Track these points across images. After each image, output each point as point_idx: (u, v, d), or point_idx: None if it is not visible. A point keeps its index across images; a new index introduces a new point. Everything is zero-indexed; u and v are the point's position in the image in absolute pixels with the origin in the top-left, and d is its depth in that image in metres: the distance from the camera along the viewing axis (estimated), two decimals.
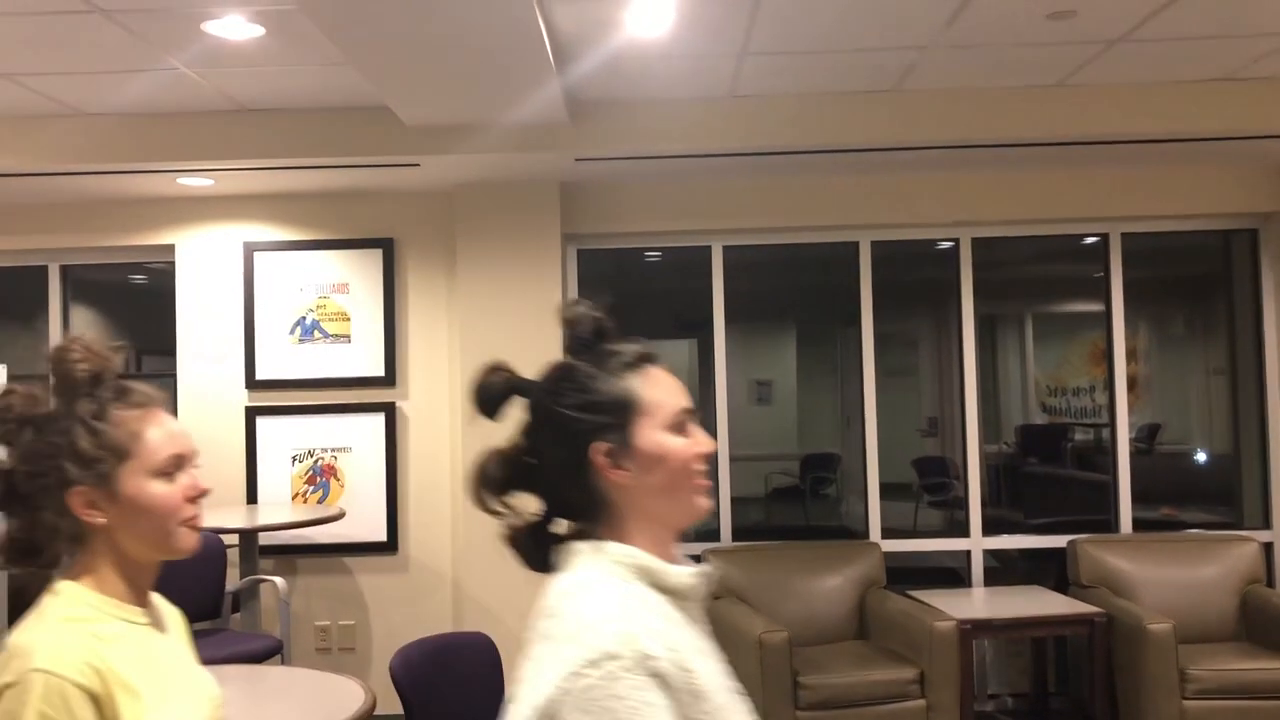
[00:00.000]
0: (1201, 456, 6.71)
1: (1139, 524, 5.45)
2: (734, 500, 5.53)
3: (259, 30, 3.69)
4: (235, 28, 3.65)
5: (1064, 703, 5.31)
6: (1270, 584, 5.26)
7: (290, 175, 4.94)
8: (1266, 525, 5.40)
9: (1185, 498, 6.01)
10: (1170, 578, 4.97)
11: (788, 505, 7.29)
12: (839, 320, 5.75)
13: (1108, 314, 5.54)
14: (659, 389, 1.31)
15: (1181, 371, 7.04)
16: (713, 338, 5.55)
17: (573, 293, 5.51)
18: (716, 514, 5.52)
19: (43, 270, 5.61)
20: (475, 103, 4.19)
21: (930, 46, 4.06)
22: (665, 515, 1.31)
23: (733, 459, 5.54)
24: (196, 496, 1.45)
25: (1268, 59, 4.30)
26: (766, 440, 7.61)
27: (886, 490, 5.58)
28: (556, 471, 1.31)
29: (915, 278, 6.40)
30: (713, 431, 5.56)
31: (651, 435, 1.29)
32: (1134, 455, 5.51)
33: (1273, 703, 4.41)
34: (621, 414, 1.29)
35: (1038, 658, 5.27)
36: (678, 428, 1.31)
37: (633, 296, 7.81)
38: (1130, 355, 5.58)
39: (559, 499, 1.34)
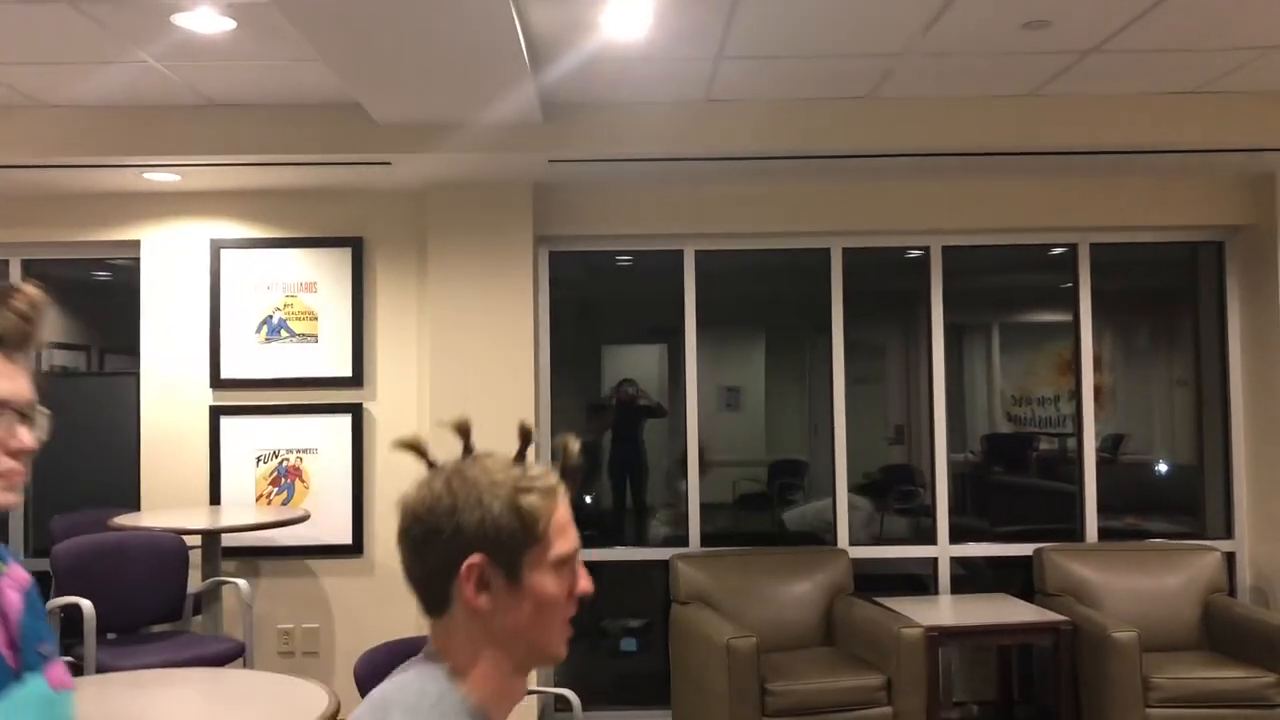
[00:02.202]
0: (1165, 467, 6.79)
1: (1103, 533, 5.49)
2: (702, 506, 5.51)
3: (230, 24, 3.64)
4: (206, 20, 3.60)
5: (1029, 710, 5.34)
6: (1232, 593, 5.32)
7: (259, 172, 4.88)
8: (1229, 535, 5.46)
9: (1149, 507, 6.07)
10: (1134, 587, 5.02)
11: (756, 512, 7.29)
12: (808, 328, 5.75)
13: (1075, 324, 5.58)
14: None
15: (1146, 382, 7.11)
16: (683, 343, 5.54)
17: (544, 295, 5.48)
18: (685, 519, 5.50)
19: (4, 265, 5.50)
20: (449, 102, 4.15)
21: (905, 54, 4.07)
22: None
23: (702, 465, 5.52)
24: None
25: (1238, 72, 4.35)
26: (735, 446, 7.61)
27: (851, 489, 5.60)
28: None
29: (884, 287, 6.42)
30: (683, 437, 5.55)
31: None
32: (1099, 465, 5.55)
33: (1234, 711, 4.45)
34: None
35: (1003, 665, 5.29)
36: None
37: (604, 301, 7.78)
38: (1096, 365, 5.62)
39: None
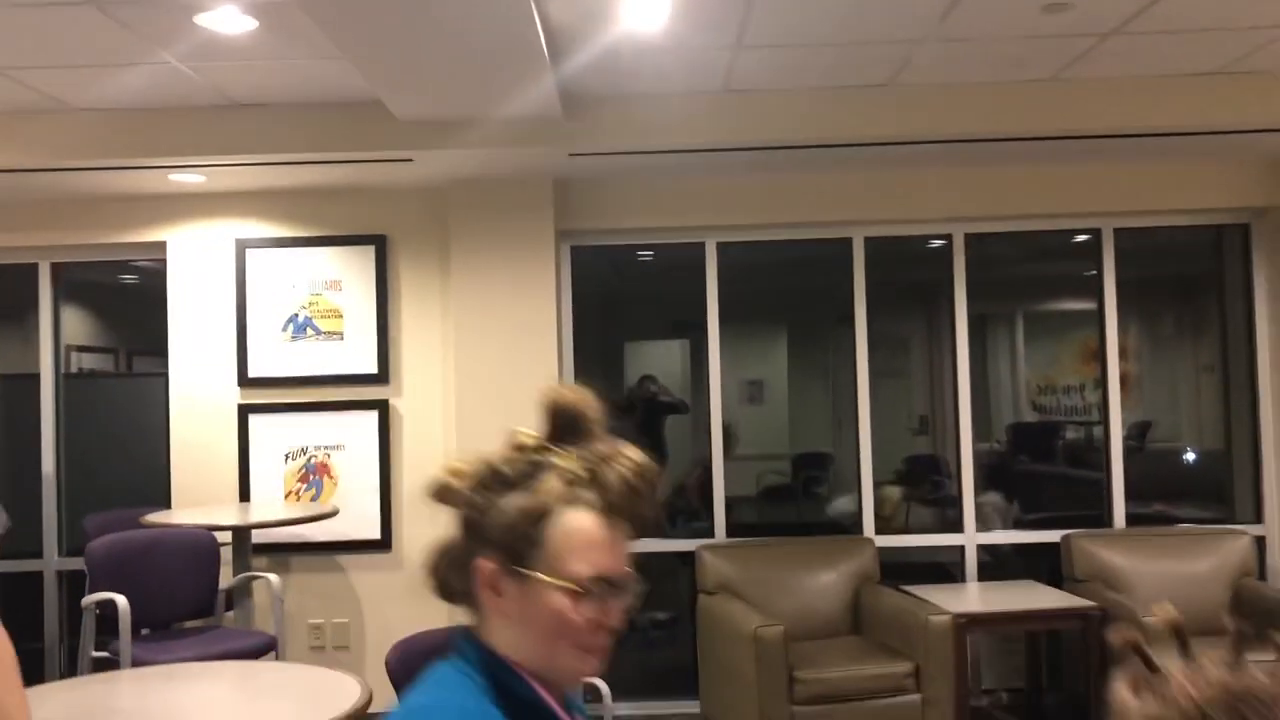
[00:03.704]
0: (1191, 453, 6.74)
1: (1131, 519, 5.46)
2: (727, 499, 5.53)
3: (252, 23, 3.68)
4: (228, 20, 3.64)
5: (1058, 697, 5.32)
6: (1262, 577, 5.28)
7: (283, 171, 4.92)
8: (1258, 519, 5.42)
9: (1176, 493, 6.03)
10: (1163, 572, 4.99)
11: (780, 504, 7.28)
12: (830, 321, 5.75)
13: (1100, 311, 5.55)
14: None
15: (1171, 369, 7.06)
16: (706, 337, 5.55)
17: (566, 290, 5.49)
18: (711, 511, 5.51)
19: (33, 268, 5.57)
20: (469, 97, 4.18)
21: (925, 40, 4.06)
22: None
23: (726, 459, 5.53)
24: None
25: (1261, 52, 4.31)
26: (758, 440, 7.60)
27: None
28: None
29: (907, 277, 6.41)
30: (706, 431, 5.55)
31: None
32: (1126, 452, 5.52)
33: None
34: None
35: (1032, 652, 5.27)
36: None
37: (626, 297, 7.80)
38: (1121, 353, 5.59)
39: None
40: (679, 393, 6.59)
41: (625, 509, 1.21)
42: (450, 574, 1.25)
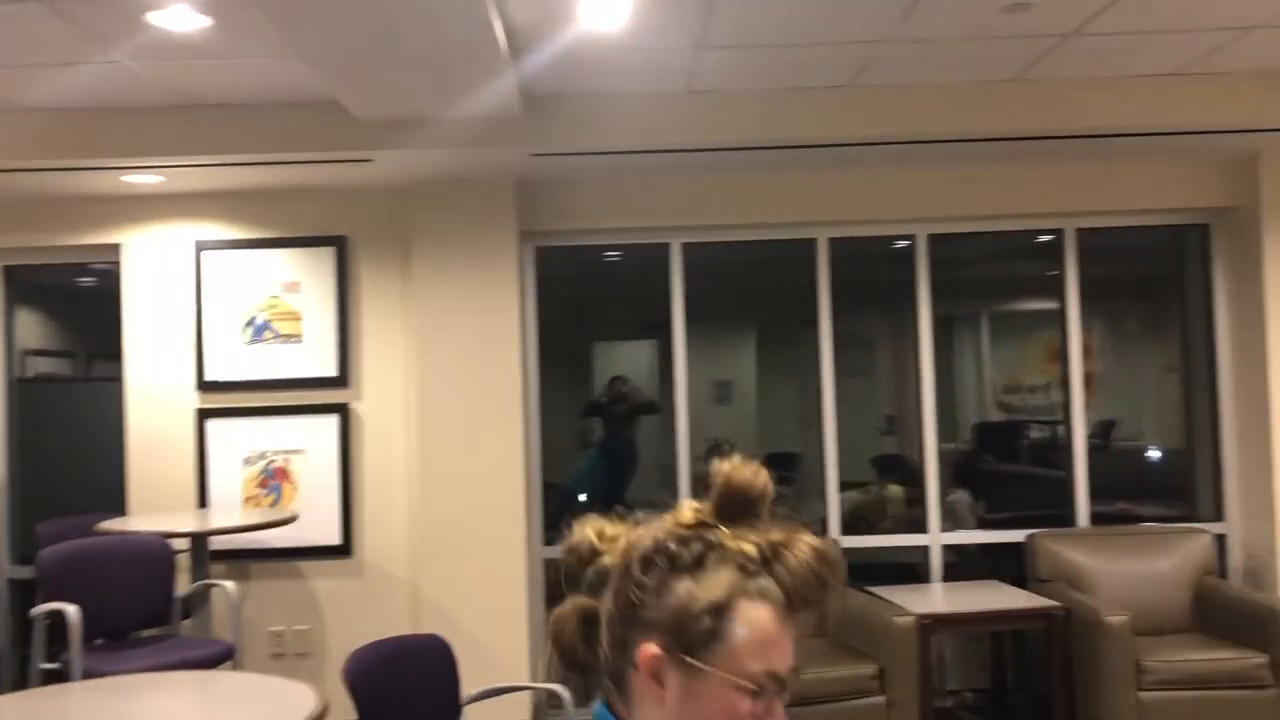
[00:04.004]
0: (1155, 451, 6.79)
1: (1095, 518, 5.48)
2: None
3: (205, 21, 3.61)
4: (181, 18, 3.57)
5: (1023, 697, 5.33)
6: (1223, 575, 5.32)
7: (240, 172, 4.85)
8: (1219, 517, 5.46)
9: (1140, 492, 6.08)
10: (1126, 571, 5.01)
11: None
12: (799, 321, 5.74)
13: (1063, 311, 5.57)
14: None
15: (1136, 368, 7.12)
16: (672, 337, 5.52)
17: (531, 291, 5.45)
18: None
19: None
20: (428, 96, 4.13)
21: (886, 40, 4.05)
22: None
23: (693, 459, 5.50)
24: None
25: (1220, 53, 4.34)
26: (727, 439, 7.59)
27: (844, 489, 5.58)
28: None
29: (873, 278, 6.42)
30: (673, 431, 5.53)
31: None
32: (1090, 451, 5.54)
33: (1225, 692, 4.45)
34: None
35: (997, 652, 5.29)
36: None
37: (594, 298, 7.76)
38: (1086, 352, 5.61)
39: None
40: (649, 393, 6.56)
41: (804, 600, 1.13)
42: (581, 645, 1.17)
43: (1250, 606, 4.67)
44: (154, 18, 3.55)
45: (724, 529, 1.15)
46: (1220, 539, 5.36)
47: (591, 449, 6.87)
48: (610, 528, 1.19)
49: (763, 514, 1.16)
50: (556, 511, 5.77)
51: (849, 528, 5.54)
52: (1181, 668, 4.46)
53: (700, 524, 1.15)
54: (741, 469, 1.15)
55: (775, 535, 1.14)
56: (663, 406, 6.14)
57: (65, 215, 5.26)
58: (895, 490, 6.01)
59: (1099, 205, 5.36)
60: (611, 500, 6.39)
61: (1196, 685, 4.45)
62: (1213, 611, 4.87)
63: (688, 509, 1.17)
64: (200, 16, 3.56)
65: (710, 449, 6.30)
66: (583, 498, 6.59)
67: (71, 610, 4.04)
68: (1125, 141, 4.89)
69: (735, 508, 1.15)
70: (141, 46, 3.84)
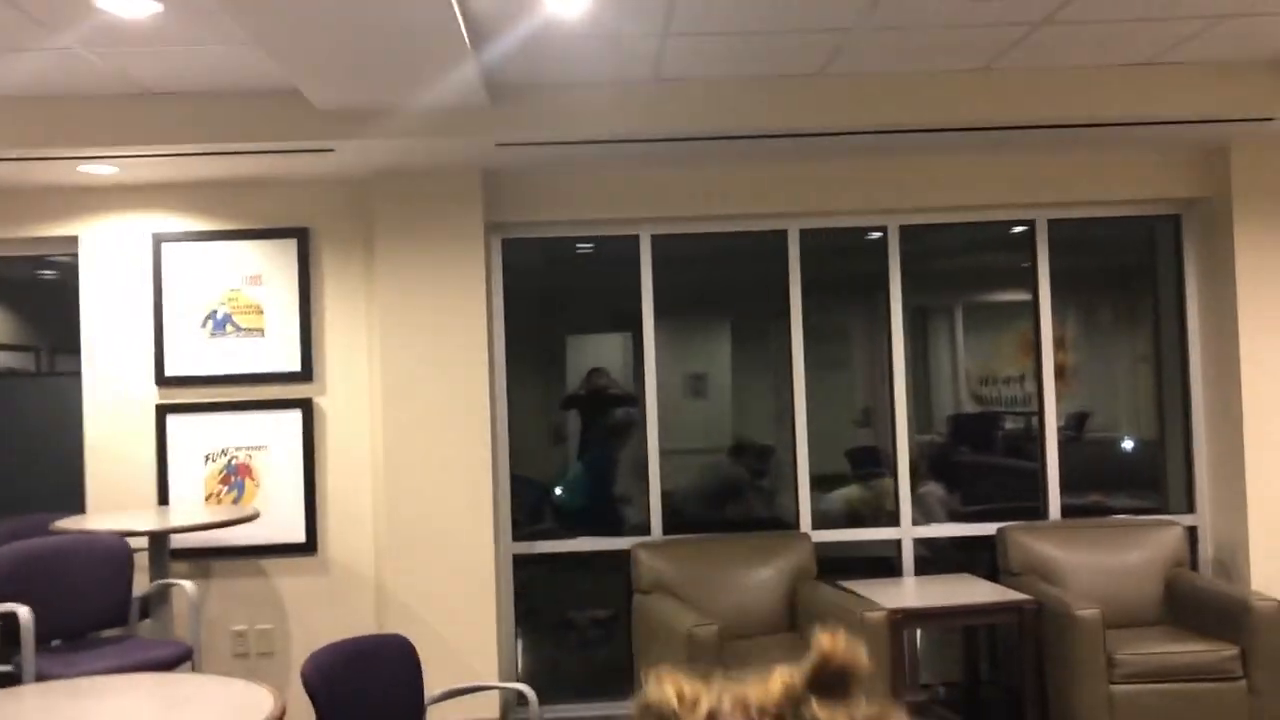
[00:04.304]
0: (1128, 443, 6.79)
1: (1068, 510, 5.47)
2: (665, 494, 5.44)
3: (156, 6, 3.51)
4: (130, 4, 3.47)
5: (995, 690, 5.31)
6: (1194, 567, 5.31)
7: (199, 162, 4.74)
8: (1190, 509, 5.45)
9: (1113, 484, 6.06)
10: (1097, 563, 4.99)
11: (722, 498, 7.22)
12: (773, 313, 5.69)
13: (1034, 302, 5.54)
14: None
15: (1108, 360, 7.10)
16: (642, 330, 5.46)
17: (498, 283, 5.37)
18: (647, 508, 5.43)
19: None
20: (389, 84, 4.04)
21: (854, 29, 4.00)
22: None
23: (663, 453, 5.44)
24: None
25: (1190, 43, 4.31)
26: (700, 434, 7.55)
27: (820, 482, 5.54)
28: None
29: (847, 270, 6.37)
30: (643, 425, 5.47)
31: None
32: (1063, 442, 5.52)
33: (1197, 685, 4.43)
34: None
35: (970, 645, 5.26)
36: None
37: (566, 290, 7.68)
38: (1059, 344, 5.59)
39: None
40: (625, 387, 6.48)
41: None
42: None
43: (1221, 599, 4.66)
44: (101, 3, 3.45)
45: (815, 702, 1.10)
46: (1191, 530, 5.35)
47: (579, 461, 6.77)
48: (689, 686, 1.12)
49: (857, 691, 1.11)
50: (529, 507, 5.71)
51: (853, 521, 5.52)
52: (1152, 660, 4.45)
53: (798, 697, 1.10)
54: (840, 643, 1.10)
55: (869, 711, 1.09)
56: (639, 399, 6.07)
57: (20, 207, 5.14)
58: (889, 484, 5.95)
59: (1071, 196, 5.33)
60: (597, 504, 6.31)
61: (1167, 678, 4.43)
62: (1184, 604, 4.86)
63: (778, 680, 1.11)
64: (149, 2, 3.46)
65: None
66: (558, 491, 6.50)
67: (24, 611, 3.94)
68: (1096, 132, 4.86)
69: (830, 681, 1.10)
70: (92, 33, 3.73)
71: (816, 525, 5.40)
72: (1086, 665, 4.40)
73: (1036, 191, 5.31)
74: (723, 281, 7.74)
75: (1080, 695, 4.42)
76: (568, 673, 6.03)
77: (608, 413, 6.38)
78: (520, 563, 5.35)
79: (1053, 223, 5.50)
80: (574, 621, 6.32)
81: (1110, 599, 4.77)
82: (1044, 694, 4.64)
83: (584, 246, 5.83)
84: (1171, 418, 5.66)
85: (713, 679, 1.06)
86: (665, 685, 1.07)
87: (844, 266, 6.26)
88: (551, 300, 7.24)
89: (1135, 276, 6.25)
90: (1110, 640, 4.47)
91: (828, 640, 1.06)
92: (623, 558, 5.35)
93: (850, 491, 5.91)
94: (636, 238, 5.43)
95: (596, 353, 8.07)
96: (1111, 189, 5.32)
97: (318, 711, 3.26)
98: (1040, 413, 5.53)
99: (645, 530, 5.41)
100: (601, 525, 6.02)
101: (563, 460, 6.85)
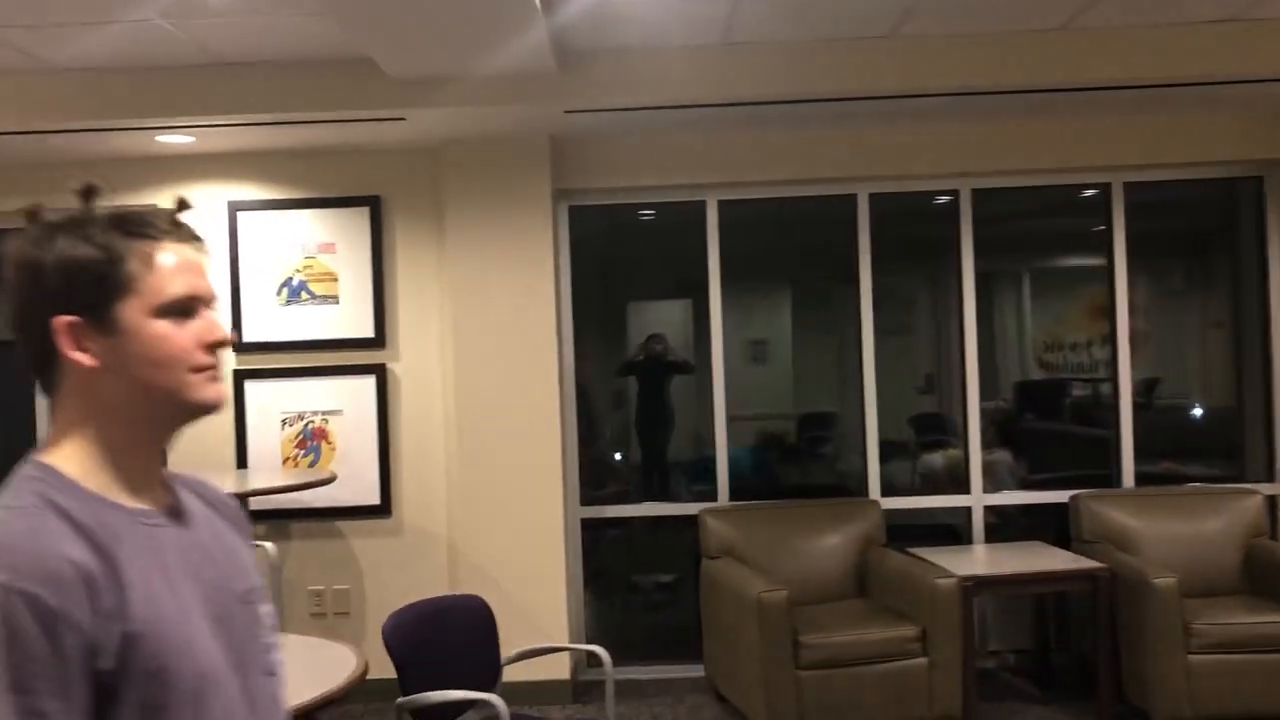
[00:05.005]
0: (1199, 410, 6.65)
1: (1140, 478, 5.38)
2: (730, 460, 5.45)
3: None
4: None
5: (1066, 659, 5.27)
6: (1274, 537, 5.21)
7: (273, 131, 4.81)
8: (1270, 478, 5.34)
9: (1185, 452, 5.95)
10: (1173, 532, 4.92)
11: (784, 465, 7.22)
12: (835, 279, 5.65)
13: (1110, 267, 5.44)
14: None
15: (1179, 325, 6.95)
16: (708, 297, 5.45)
17: (565, 250, 5.40)
18: (713, 474, 5.44)
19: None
20: (459, 51, 4.05)
21: None
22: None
23: (729, 419, 5.45)
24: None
25: None
26: (763, 400, 7.53)
27: (884, 449, 5.51)
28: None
29: (911, 234, 6.29)
30: (709, 391, 5.48)
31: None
32: (1134, 409, 5.43)
33: (1277, 656, 4.36)
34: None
35: (1039, 614, 5.22)
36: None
37: (628, 257, 7.68)
38: (1129, 309, 5.49)
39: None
40: (683, 353, 6.50)
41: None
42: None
43: None
44: None
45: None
46: (1271, 500, 5.24)
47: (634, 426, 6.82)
48: None
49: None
50: (595, 471, 5.77)
51: (948, 486, 5.49)
52: (1232, 630, 4.38)
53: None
54: None
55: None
56: (696, 366, 6.07)
57: (99, 177, 5.20)
58: (955, 455, 5.90)
59: (1148, 158, 5.21)
60: (652, 462, 6.38)
61: (1248, 648, 4.36)
62: (1264, 574, 4.77)
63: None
64: None
65: None
66: (618, 456, 6.56)
67: None
68: (1175, 92, 4.73)
69: None
70: (170, 4, 3.78)
71: (900, 491, 5.37)
72: (1164, 634, 4.35)
73: (1113, 154, 5.20)
74: (785, 247, 7.69)
75: (1157, 665, 4.37)
76: (633, 636, 6.10)
77: (664, 379, 6.39)
78: (586, 526, 5.41)
79: (1128, 186, 5.38)
80: (638, 585, 6.38)
81: (1187, 568, 4.70)
82: (1117, 663, 4.59)
83: (645, 214, 5.83)
84: (1250, 384, 5.54)
85: None
86: None
87: (907, 231, 6.18)
88: (613, 266, 7.25)
89: (1212, 240, 6.10)
90: (1188, 610, 4.41)
91: None
92: (680, 523, 5.38)
93: (947, 454, 5.86)
94: (703, 203, 5.41)
95: (657, 319, 8.07)
96: (1191, 150, 5.18)
97: (398, 669, 3.33)
98: (1115, 379, 5.43)
99: (711, 496, 5.43)
100: (658, 492, 6.06)
101: (623, 425, 6.89)
